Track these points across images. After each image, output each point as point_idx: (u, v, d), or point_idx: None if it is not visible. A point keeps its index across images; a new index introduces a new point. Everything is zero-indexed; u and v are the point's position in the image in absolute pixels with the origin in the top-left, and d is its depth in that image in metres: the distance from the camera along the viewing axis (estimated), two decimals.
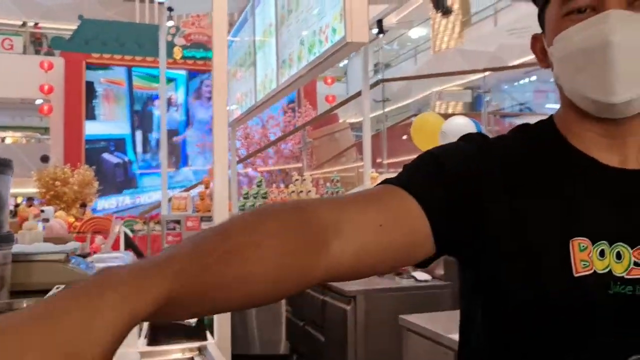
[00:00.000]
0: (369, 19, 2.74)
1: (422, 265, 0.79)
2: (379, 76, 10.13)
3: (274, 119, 10.30)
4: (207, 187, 5.29)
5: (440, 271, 3.74)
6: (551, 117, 0.88)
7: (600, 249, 0.75)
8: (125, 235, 3.80)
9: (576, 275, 0.73)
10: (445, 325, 2.49)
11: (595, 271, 0.73)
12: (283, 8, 3.63)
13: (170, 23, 4.82)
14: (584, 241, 0.75)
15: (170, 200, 5.28)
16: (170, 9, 4.52)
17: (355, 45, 2.70)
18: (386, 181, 0.78)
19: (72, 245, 1.42)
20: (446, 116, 4.73)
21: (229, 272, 0.54)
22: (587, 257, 0.74)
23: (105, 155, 12.82)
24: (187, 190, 6.91)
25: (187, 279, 0.49)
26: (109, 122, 12.99)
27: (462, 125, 3.93)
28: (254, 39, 4.38)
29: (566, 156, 0.81)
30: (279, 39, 3.73)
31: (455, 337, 2.29)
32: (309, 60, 3.12)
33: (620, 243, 0.75)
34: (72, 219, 5.73)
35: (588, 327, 0.74)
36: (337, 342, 3.71)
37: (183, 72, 12.90)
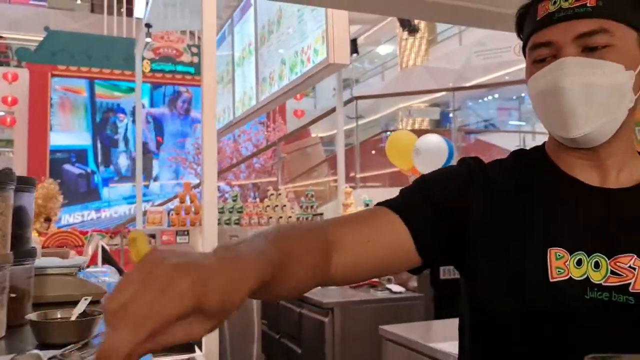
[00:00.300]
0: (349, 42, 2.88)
1: (414, 272, 0.94)
2: (348, 92, 10.30)
3: (246, 134, 10.34)
4: (182, 202, 5.30)
5: (413, 283, 3.86)
6: (543, 143, 1.01)
7: (577, 259, 0.85)
8: (103, 249, 3.80)
9: (552, 280, 0.84)
10: (424, 334, 2.60)
11: (571, 277, 0.84)
12: (264, 28, 3.74)
13: (149, 39, 4.85)
14: (560, 251, 0.85)
15: (145, 214, 5.27)
16: (148, 26, 4.55)
17: (337, 66, 2.82)
18: (383, 203, 0.93)
19: (81, 259, 1.48)
20: (415, 132, 4.90)
21: (293, 271, 0.71)
22: (563, 265, 0.85)
23: (67, 167, 12.59)
24: (162, 204, 6.89)
25: (275, 270, 0.64)
26: (69, 132, 12.75)
27: (434, 142, 4.10)
28: (232, 56, 4.46)
29: (553, 177, 0.93)
30: (259, 57, 3.82)
31: (434, 345, 2.41)
32: (290, 79, 3.22)
33: (598, 254, 0.84)
34: (35, 234, 5.64)
35: (566, 329, 0.83)
36: (314, 354, 3.78)
37: (147, 84, 12.79)
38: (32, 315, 1.05)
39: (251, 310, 5.15)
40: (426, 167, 4.14)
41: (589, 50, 0.85)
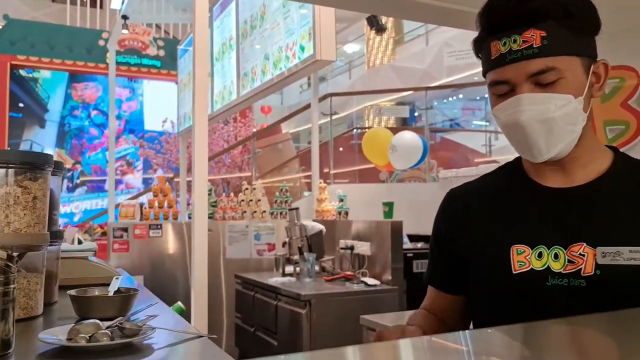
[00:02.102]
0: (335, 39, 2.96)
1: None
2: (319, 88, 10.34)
3: (218, 130, 10.28)
4: (155, 195, 5.28)
5: (388, 277, 3.98)
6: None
7: (538, 252, 1.02)
8: (79, 242, 3.77)
9: (514, 272, 1.02)
10: (401, 322, 2.71)
11: (532, 269, 1.01)
12: (246, 23, 3.77)
13: (125, 32, 4.78)
14: (522, 247, 1.03)
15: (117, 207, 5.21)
16: (125, 17, 4.49)
17: (323, 63, 2.89)
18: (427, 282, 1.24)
19: (93, 245, 1.51)
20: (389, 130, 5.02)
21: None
22: (524, 258, 1.03)
23: None
24: (135, 197, 6.80)
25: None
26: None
27: (409, 139, 4.23)
28: (211, 50, 4.47)
29: (521, 184, 1.11)
30: (240, 52, 3.85)
31: None
32: (274, 74, 3.27)
33: (557, 246, 1.00)
34: None
35: (530, 314, 0.99)
36: (291, 346, 3.84)
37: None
38: (72, 292, 1.10)
39: (221, 305, 5.17)
40: (402, 163, 4.26)
41: (542, 85, 0.97)
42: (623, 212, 0.99)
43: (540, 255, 1.01)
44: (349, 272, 4.16)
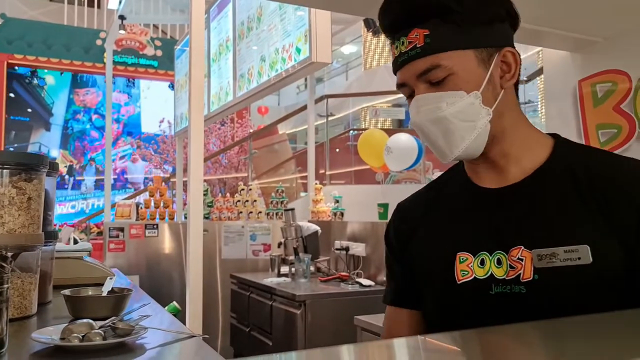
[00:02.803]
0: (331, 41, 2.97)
1: None
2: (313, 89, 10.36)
3: (215, 130, 10.28)
4: (152, 195, 5.28)
5: (382, 278, 4.00)
6: None
7: (480, 259, 0.96)
8: (75, 242, 3.78)
9: (458, 282, 0.97)
10: None
11: (475, 277, 0.96)
12: (242, 24, 3.78)
13: (122, 32, 4.79)
14: (464, 255, 0.98)
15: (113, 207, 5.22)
16: (122, 17, 4.49)
17: (319, 65, 2.91)
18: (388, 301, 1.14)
19: (87, 245, 1.52)
20: (384, 131, 5.03)
21: None
22: (467, 267, 0.97)
23: None
24: (131, 197, 6.80)
25: None
26: None
27: (404, 141, 4.24)
28: (208, 51, 4.48)
29: (460, 187, 1.06)
30: (237, 53, 3.87)
31: None
32: (270, 76, 3.29)
33: (498, 251, 0.94)
34: None
35: (474, 324, 0.90)
36: (286, 346, 3.85)
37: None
38: (66, 292, 1.11)
39: (217, 305, 5.18)
40: (397, 165, 4.27)
41: (434, 85, 0.94)
42: (557, 209, 0.92)
43: (482, 262, 0.95)
44: (344, 273, 4.18)
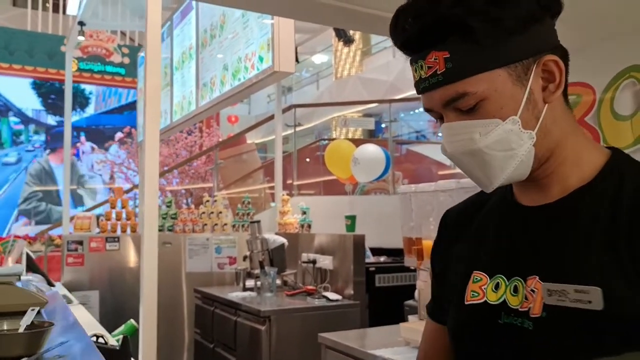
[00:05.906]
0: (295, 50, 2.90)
1: None
2: (283, 99, 10.32)
3: (180, 139, 10.11)
4: (113, 207, 5.11)
5: (350, 291, 3.92)
6: None
7: (496, 282, 0.85)
8: (28, 256, 3.60)
9: (466, 303, 0.87)
10: (361, 341, 2.64)
11: (486, 301, 0.85)
12: (205, 32, 3.69)
13: (81, 38, 4.64)
14: (480, 274, 0.87)
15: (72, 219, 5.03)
16: (81, 24, 4.35)
17: (282, 74, 2.83)
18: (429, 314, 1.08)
19: (18, 267, 1.39)
20: (353, 141, 4.99)
21: None
22: (479, 288, 0.86)
23: None
24: (91, 209, 6.59)
25: None
26: None
27: (371, 152, 4.19)
28: (171, 59, 4.36)
29: (500, 203, 0.94)
30: (200, 61, 3.77)
31: (373, 352, 2.46)
32: (232, 85, 3.19)
33: (516, 277, 0.82)
34: None
35: (480, 350, 0.86)
36: None
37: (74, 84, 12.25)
38: None
39: (182, 319, 5.03)
40: (364, 176, 4.21)
41: (465, 112, 0.81)
42: (583, 238, 0.78)
43: (497, 286, 0.84)
44: (310, 287, 4.09)
